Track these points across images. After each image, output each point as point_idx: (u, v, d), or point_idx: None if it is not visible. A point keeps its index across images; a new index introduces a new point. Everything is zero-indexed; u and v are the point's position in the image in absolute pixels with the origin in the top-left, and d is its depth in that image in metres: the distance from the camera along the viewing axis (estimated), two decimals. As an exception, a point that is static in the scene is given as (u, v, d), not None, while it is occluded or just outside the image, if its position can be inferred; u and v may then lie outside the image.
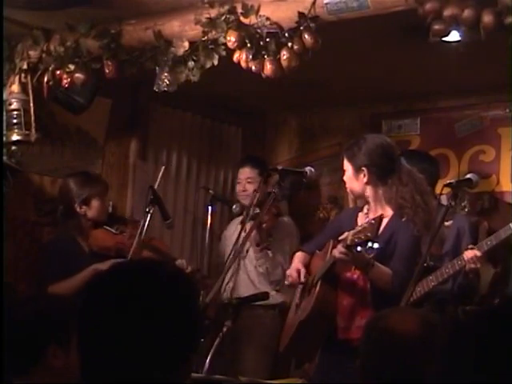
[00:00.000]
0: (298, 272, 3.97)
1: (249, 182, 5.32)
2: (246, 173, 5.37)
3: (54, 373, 2.43)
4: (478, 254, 4.28)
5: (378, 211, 3.85)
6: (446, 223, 4.56)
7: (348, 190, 3.99)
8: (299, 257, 4.10)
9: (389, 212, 3.83)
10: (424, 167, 4.71)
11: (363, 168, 3.82)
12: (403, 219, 3.78)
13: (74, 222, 4.61)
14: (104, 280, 1.78)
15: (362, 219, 3.91)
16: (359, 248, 3.55)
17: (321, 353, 3.93)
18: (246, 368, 4.88)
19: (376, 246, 3.56)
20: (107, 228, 4.68)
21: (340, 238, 3.65)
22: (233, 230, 5.33)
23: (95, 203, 4.61)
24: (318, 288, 3.80)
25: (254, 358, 5.04)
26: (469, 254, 4.30)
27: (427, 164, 4.79)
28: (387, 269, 3.70)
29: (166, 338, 1.67)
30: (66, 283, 4.35)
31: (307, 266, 4.03)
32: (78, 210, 4.59)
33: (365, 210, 3.95)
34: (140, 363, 1.65)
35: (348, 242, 3.56)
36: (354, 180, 3.88)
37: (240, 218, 5.20)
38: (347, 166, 3.91)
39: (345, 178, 3.96)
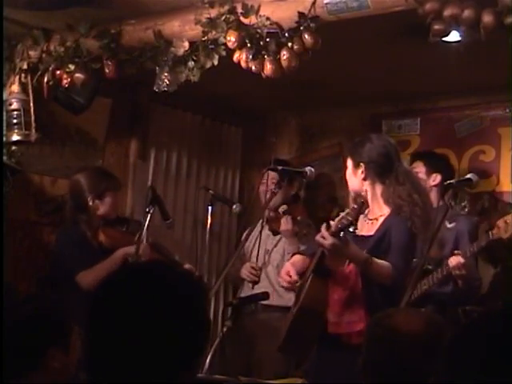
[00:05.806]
0: (288, 274, 3.94)
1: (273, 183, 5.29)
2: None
3: (52, 374, 2.43)
4: (462, 260, 4.22)
5: (375, 210, 3.85)
6: (449, 225, 4.53)
7: (349, 186, 4.01)
8: (294, 260, 4.09)
9: (385, 211, 3.82)
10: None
11: (361, 164, 3.84)
12: (399, 216, 3.76)
13: (83, 217, 4.49)
14: (114, 281, 1.80)
15: (361, 220, 3.87)
16: (341, 233, 3.56)
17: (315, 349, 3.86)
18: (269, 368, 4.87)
19: (351, 229, 3.57)
20: (118, 228, 4.61)
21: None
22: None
23: (109, 198, 4.51)
24: (308, 283, 3.77)
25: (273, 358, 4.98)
26: (453, 261, 4.26)
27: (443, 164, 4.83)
28: (386, 262, 3.66)
29: (175, 339, 1.69)
30: (95, 270, 4.26)
31: (307, 268, 3.98)
32: (90, 203, 4.48)
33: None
34: (148, 363, 1.67)
35: (333, 229, 3.58)
36: (352, 176, 3.91)
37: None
38: (348, 162, 3.94)
39: (346, 174, 3.99)
